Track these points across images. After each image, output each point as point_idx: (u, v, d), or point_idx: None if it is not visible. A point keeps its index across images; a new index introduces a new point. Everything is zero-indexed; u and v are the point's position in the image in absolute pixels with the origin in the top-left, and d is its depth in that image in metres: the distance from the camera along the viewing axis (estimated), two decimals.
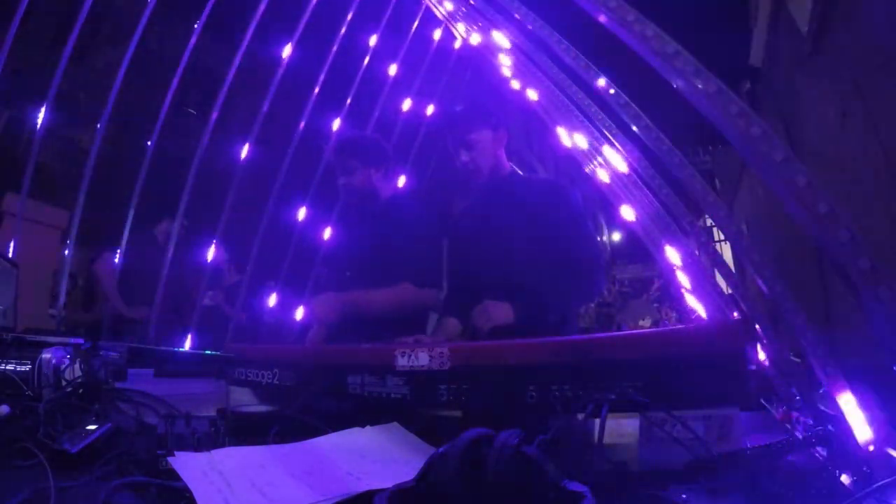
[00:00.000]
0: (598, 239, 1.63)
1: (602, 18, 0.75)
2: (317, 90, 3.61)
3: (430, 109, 4.18)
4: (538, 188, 1.65)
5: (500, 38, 2.29)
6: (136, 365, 1.21)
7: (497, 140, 1.62)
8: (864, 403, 0.63)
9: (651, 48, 0.68)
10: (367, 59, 3.90)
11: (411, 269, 1.69)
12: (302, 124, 3.55)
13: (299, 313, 2.98)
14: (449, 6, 2.92)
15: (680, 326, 2.48)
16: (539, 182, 1.75)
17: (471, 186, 1.68)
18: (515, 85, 2.51)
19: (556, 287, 1.46)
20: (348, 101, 3.82)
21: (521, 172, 1.77)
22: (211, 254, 3.22)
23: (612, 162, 2.04)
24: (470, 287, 1.59)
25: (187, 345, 2.94)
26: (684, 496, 0.49)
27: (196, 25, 3.16)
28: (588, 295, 1.60)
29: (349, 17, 3.68)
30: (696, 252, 1.75)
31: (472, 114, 1.66)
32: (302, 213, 3.53)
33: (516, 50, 2.24)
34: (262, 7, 3.26)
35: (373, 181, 1.83)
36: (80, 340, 1.15)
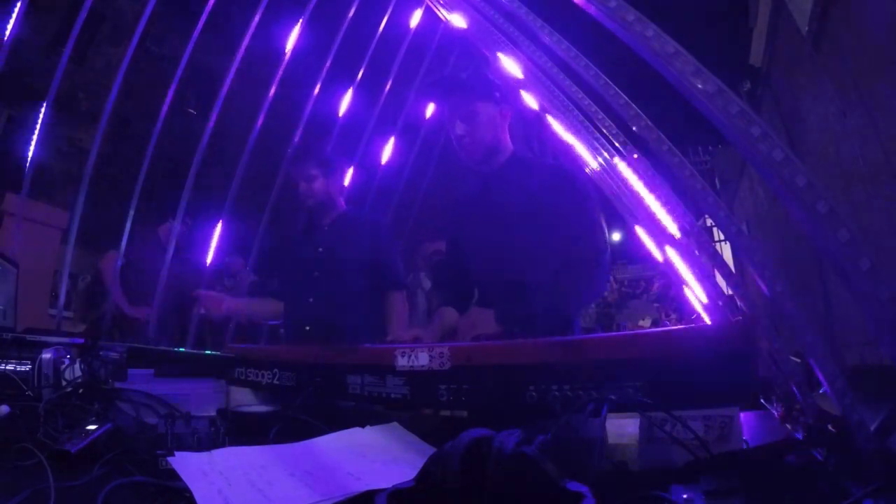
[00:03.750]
0: (605, 230, 1.49)
1: (602, 18, 0.75)
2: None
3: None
4: (543, 172, 1.46)
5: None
6: (136, 365, 1.20)
7: (500, 117, 1.45)
8: (864, 403, 0.63)
9: (651, 48, 0.68)
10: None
11: (391, 278, 1.94)
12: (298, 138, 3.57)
13: None
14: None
15: (680, 326, 2.47)
16: (545, 166, 1.52)
17: (469, 169, 1.51)
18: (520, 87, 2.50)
19: (557, 279, 1.35)
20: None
21: (524, 154, 1.61)
22: (210, 256, 3.21)
23: (613, 164, 2.04)
24: (469, 277, 1.57)
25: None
26: (684, 496, 0.49)
27: (196, 25, 3.17)
28: (589, 288, 1.44)
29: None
30: (696, 252, 1.74)
31: (474, 83, 1.49)
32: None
33: (521, 53, 2.23)
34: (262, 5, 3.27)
35: (330, 191, 1.99)
36: (81, 340, 1.15)
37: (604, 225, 1.44)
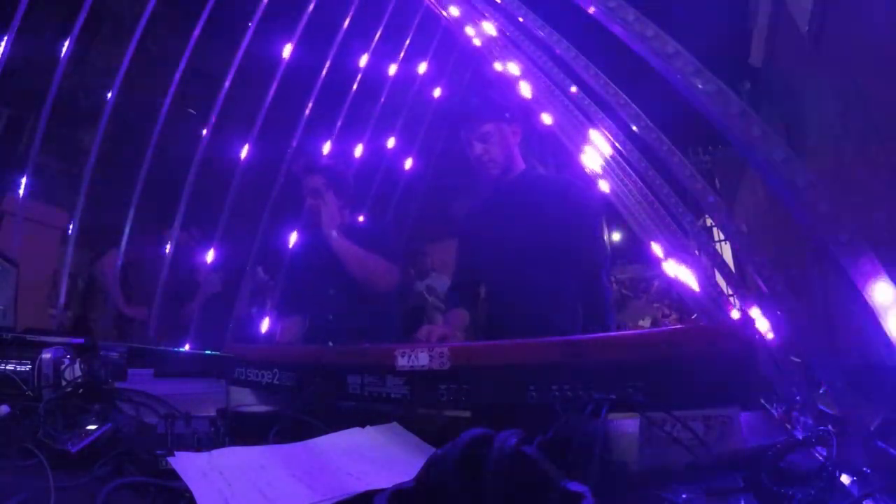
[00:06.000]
0: (605, 243, 1.68)
1: (602, 18, 0.75)
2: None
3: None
4: (551, 186, 1.61)
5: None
6: (136, 365, 1.20)
7: (511, 134, 1.60)
8: (864, 403, 0.63)
9: (651, 48, 0.69)
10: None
11: (381, 250, 1.89)
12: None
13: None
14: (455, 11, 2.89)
15: (680, 326, 2.48)
16: (552, 180, 1.67)
17: (483, 183, 1.66)
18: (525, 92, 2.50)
19: (560, 288, 1.45)
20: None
21: (536, 169, 1.75)
22: (210, 257, 3.19)
23: (613, 164, 2.04)
24: (477, 286, 1.65)
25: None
26: (684, 496, 0.49)
27: (196, 25, 3.16)
28: (588, 297, 1.54)
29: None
30: (697, 252, 1.75)
31: (484, 106, 1.65)
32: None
33: (517, 49, 2.23)
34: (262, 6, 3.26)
35: (342, 214, 1.97)
36: (81, 340, 1.14)
37: (605, 238, 1.54)
